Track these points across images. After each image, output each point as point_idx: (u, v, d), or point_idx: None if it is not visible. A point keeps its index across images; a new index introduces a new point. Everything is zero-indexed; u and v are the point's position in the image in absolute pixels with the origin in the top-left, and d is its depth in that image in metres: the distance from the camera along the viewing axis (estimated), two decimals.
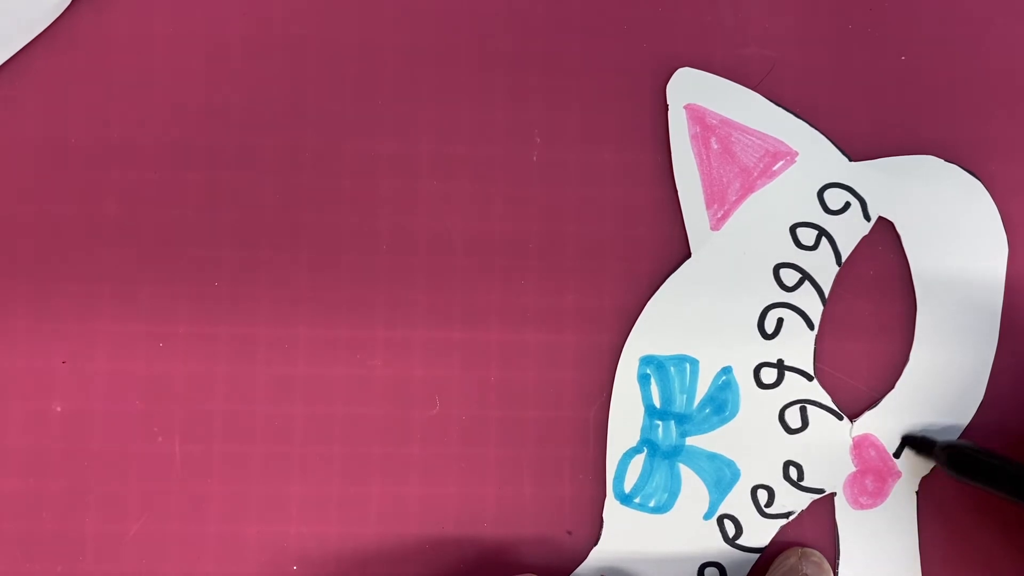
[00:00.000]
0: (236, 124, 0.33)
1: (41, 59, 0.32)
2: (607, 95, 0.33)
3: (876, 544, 0.34)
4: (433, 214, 0.33)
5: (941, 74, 0.34)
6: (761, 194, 0.33)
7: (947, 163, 0.33)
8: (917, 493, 0.34)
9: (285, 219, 0.33)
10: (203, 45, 0.33)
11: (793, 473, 0.33)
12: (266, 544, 0.33)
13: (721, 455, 0.33)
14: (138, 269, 0.32)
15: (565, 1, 0.34)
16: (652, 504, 0.33)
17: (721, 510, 0.33)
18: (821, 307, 0.33)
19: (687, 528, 0.33)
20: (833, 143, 0.33)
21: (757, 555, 0.33)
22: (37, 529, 0.32)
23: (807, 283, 0.33)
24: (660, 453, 0.33)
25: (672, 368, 0.33)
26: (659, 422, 0.33)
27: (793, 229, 0.33)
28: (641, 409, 0.33)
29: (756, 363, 0.33)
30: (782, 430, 0.33)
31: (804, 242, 0.33)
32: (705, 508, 0.33)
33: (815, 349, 0.33)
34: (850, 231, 0.33)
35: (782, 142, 0.33)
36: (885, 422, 0.33)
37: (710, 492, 0.33)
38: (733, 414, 0.33)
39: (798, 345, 0.33)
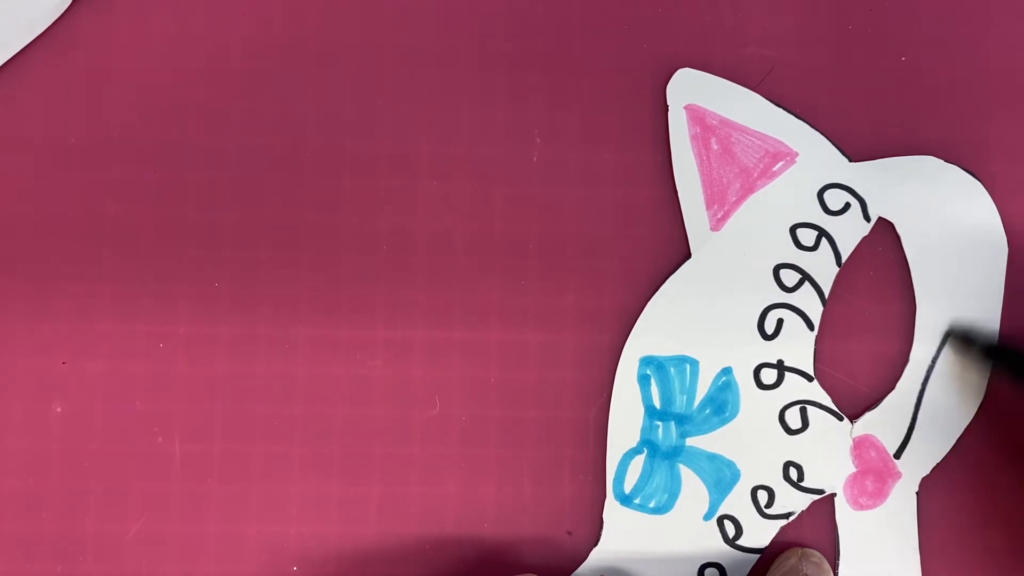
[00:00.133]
0: (236, 124, 0.33)
1: (41, 59, 0.32)
2: (607, 95, 0.33)
3: (876, 545, 0.33)
4: (433, 214, 0.33)
5: (941, 74, 0.34)
6: (761, 195, 0.33)
7: (947, 163, 0.33)
8: (917, 494, 0.34)
9: (285, 219, 0.33)
10: (203, 45, 0.33)
11: (793, 474, 0.33)
12: (266, 544, 0.32)
13: (721, 456, 0.33)
14: (138, 269, 0.32)
15: (565, 1, 0.34)
16: (652, 505, 0.33)
17: (721, 511, 0.33)
18: (821, 308, 0.33)
19: (687, 529, 0.33)
20: (833, 143, 0.33)
21: (757, 555, 0.33)
22: (37, 529, 0.32)
23: (807, 284, 0.33)
24: (660, 454, 0.33)
25: (672, 369, 0.33)
26: (659, 423, 0.33)
27: (793, 230, 0.33)
28: (641, 410, 0.33)
29: (756, 364, 0.33)
30: (782, 431, 0.33)
31: (804, 243, 0.33)
32: (705, 509, 0.33)
33: (815, 350, 0.33)
34: (850, 232, 0.33)
35: (782, 142, 0.33)
36: (885, 423, 0.33)
37: (710, 493, 0.33)
38: (733, 415, 0.33)
39: (798, 346, 0.33)
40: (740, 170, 0.33)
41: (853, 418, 0.34)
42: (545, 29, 0.34)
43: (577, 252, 0.33)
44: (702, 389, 0.33)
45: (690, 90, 0.33)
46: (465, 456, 0.33)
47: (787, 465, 0.33)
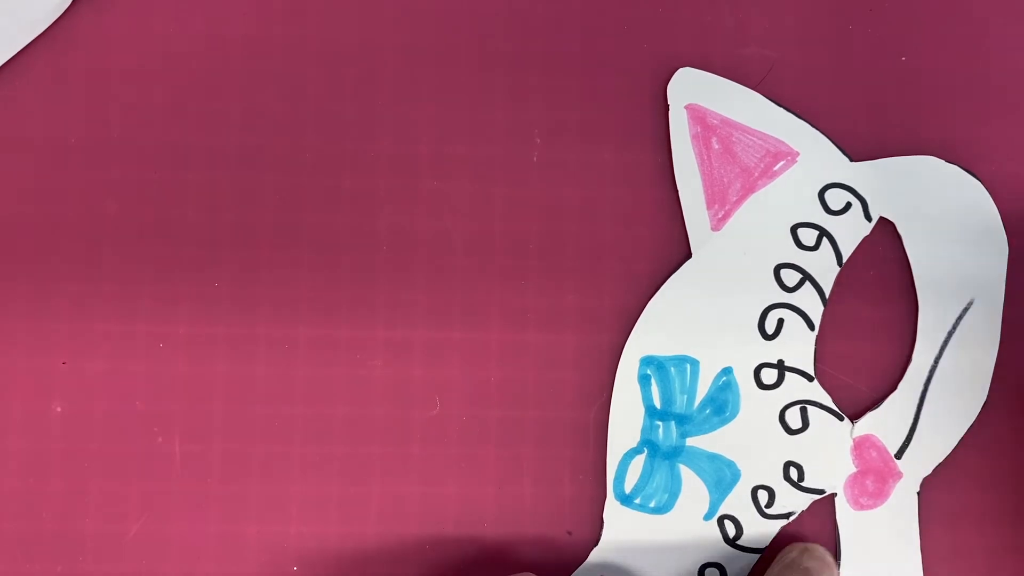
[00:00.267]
0: (236, 124, 0.33)
1: (41, 59, 0.32)
2: (607, 95, 0.33)
3: (877, 545, 0.33)
4: (433, 214, 0.33)
5: (941, 74, 0.34)
6: (762, 194, 0.33)
7: (947, 163, 0.33)
8: (918, 494, 0.34)
9: (285, 219, 0.33)
10: (203, 45, 0.33)
11: (793, 474, 0.33)
12: (266, 544, 0.32)
13: (721, 456, 0.33)
14: (138, 269, 0.32)
15: (565, 1, 0.34)
16: (652, 505, 0.33)
17: (721, 511, 0.33)
18: (822, 308, 0.33)
19: (687, 528, 0.33)
20: (834, 143, 0.33)
21: (758, 555, 0.33)
22: (37, 529, 0.32)
23: (808, 284, 0.33)
24: (660, 454, 0.33)
25: (672, 369, 0.33)
26: (659, 423, 0.33)
27: (794, 229, 0.33)
28: (641, 410, 0.33)
29: (756, 364, 0.33)
30: (782, 431, 0.33)
31: (805, 242, 0.33)
32: (705, 509, 0.33)
33: (816, 350, 0.33)
34: (851, 231, 0.33)
35: (783, 142, 0.33)
36: (886, 423, 0.33)
37: (710, 493, 0.33)
38: (733, 415, 0.33)
39: (799, 346, 0.33)
40: (741, 170, 0.33)
41: (854, 418, 0.34)
42: (545, 29, 0.34)
43: (577, 252, 0.33)
44: (702, 389, 0.33)
45: (691, 90, 0.33)
46: (465, 456, 0.33)
47: (787, 465, 0.33)
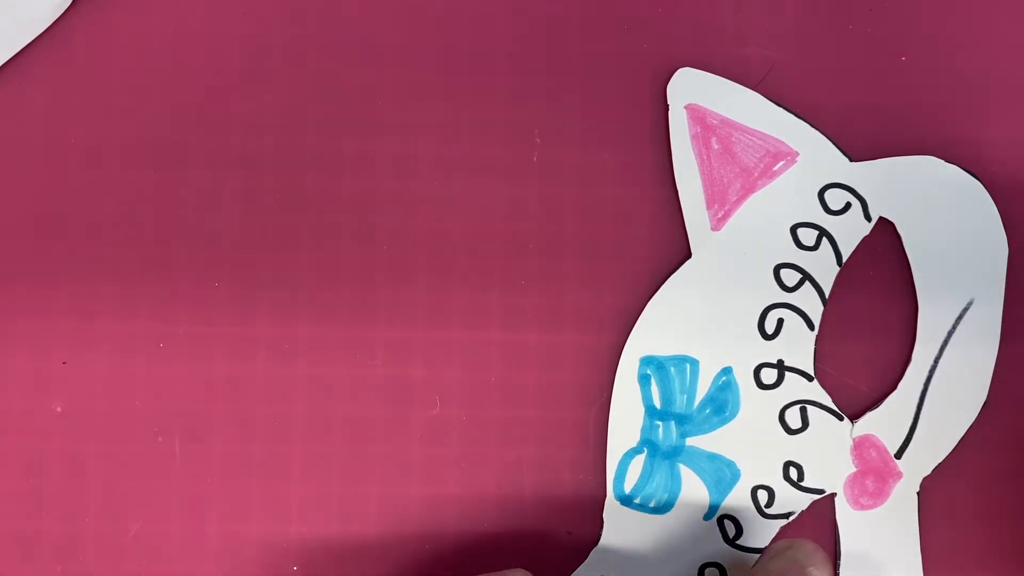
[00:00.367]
0: (236, 124, 0.33)
1: (41, 59, 0.32)
2: (607, 95, 0.33)
3: (877, 545, 0.33)
4: (433, 214, 0.33)
5: (941, 74, 0.34)
6: (762, 194, 0.33)
7: (947, 163, 0.33)
8: (918, 494, 0.34)
9: (285, 219, 0.33)
10: (203, 45, 0.33)
11: (793, 473, 0.33)
12: (266, 544, 0.33)
13: (721, 455, 0.33)
14: (138, 269, 0.32)
15: (565, 1, 0.34)
16: (652, 504, 0.33)
17: (721, 510, 0.33)
18: (822, 307, 0.33)
19: (687, 528, 0.33)
20: (833, 143, 0.33)
21: (757, 555, 0.33)
22: (37, 529, 0.32)
23: (808, 283, 0.33)
24: (660, 453, 0.33)
25: (672, 368, 0.33)
26: (659, 422, 0.33)
27: (794, 229, 0.33)
28: (641, 409, 0.33)
29: (756, 363, 0.33)
30: (782, 430, 0.33)
31: (805, 242, 0.33)
32: (705, 508, 0.33)
33: (815, 350, 0.33)
34: (851, 231, 0.33)
35: (782, 142, 0.33)
36: (886, 423, 0.33)
37: (710, 492, 0.33)
38: (733, 414, 0.33)
39: (798, 346, 0.33)
40: (741, 170, 0.33)
41: (854, 418, 0.34)
42: (545, 29, 0.34)
43: (577, 252, 0.33)
44: (702, 389, 0.33)
45: (690, 90, 0.33)
46: (465, 456, 0.33)
47: (787, 465, 0.33)
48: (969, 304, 0.33)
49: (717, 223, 0.33)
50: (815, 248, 0.33)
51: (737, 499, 0.33)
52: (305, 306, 0.33)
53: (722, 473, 0.33)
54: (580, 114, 0.33)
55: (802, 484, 0.33)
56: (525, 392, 0.33)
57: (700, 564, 0.33)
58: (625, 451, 0.33)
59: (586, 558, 0.33)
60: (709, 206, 0.33)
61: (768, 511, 0.33)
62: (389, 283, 0.33)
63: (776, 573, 0.30)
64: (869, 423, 0.33)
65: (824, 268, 0.33)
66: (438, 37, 0.33)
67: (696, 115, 0.33)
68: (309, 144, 0.33)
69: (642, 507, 0.33)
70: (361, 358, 0.33)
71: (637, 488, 0.33)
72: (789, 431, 0.33)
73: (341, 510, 0.33)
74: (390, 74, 0.33)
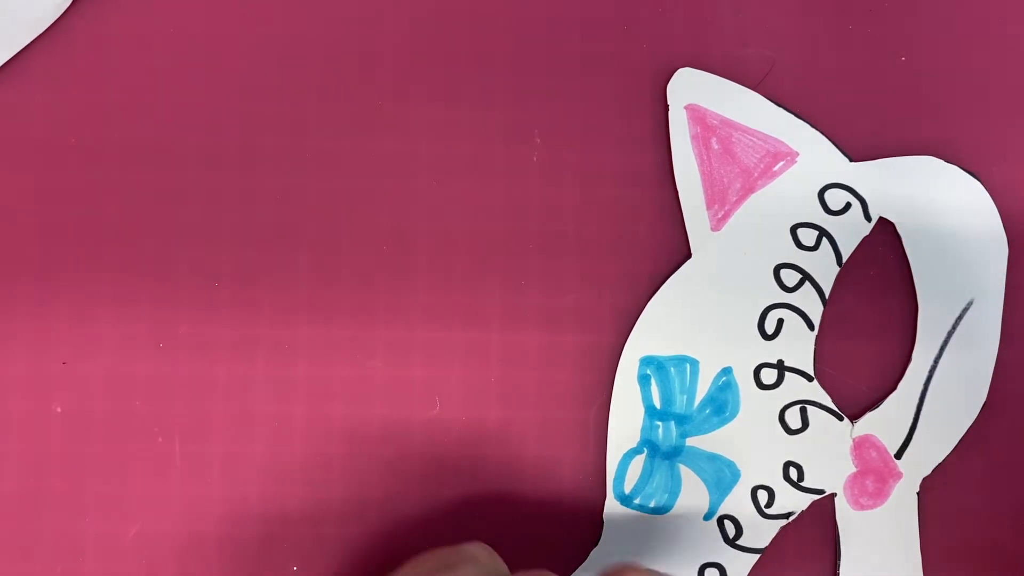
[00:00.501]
0: (236, 124, 0.33)
1: (41, 59, 0.32)
2: (607, 95, 0.33)
3: (877, 545, 0.33)
4: (433, 214, 0.33)
5: (941, 74, 0.34)
6: (762, 194, 0.33)
7: (947, 164, 0.33)
8: (918, 494, 0.34)
9: (285, 219, 0.33)
10: (203, 45, 0.33)
11: (793, 474, 0.33)
12: (266, 544, 0.32)
13: (721, 456, 0.33)
14: (138, 269, 0.32)
15: (565, 1, 0.34)
16: (652, 505, 0.33)
17: (721, 511, 0.33)
18: (821, 308, 0.33)
19: (687, 529, 0.33)
20: (833, 143, 0.33)
21: (758, 555, 0.33)
22: (37, 529, 0.32)
23: (808, 284, 0.33)
24: (660, 454, 0.33)
25: (672, 369, 0.33)
26: (659, 423, 0.33)
27: (794, 229, 0.33)
28: (641, 410, 0.33)
29: (756, 364, 0.33)
30: (782, 431, 0.33)
31: (805, 243, 0.33)
32: (705, 509, 0.33)
33: (815, 350, 0.33)
34: (851, 232, 0.33)
35: (782, 142, 0.33)
36: (886, 423, 0.33)
37: (710, 493, 0.33)
38: (733, 415, 0.33)
39: (798, 346, 0.33)
40: (741, 170, 0.33)
41: (854, 418, 0.34)
42: (545, 29, 0.34)
43: (577, 252, 0.33)
44: (702, 389, 0.33)
45: (690, 90, 0.33)
46: (465, 456, 0.33)
47: (787, 465, 0.33)
48: (969, 304, 0.33)
49: (717, 223, 0.33)
50: (815, 248, 0.33)
51: (737, 499, 0.33)
52: (305, 306, 0.33)
53: (722, 473, 0.33)
54: (580, 114, 0.33)
55: (802, 484, 0.33)
56: (525, 392, 0.33)
57: (700, 564, 0.33)
58: (625, 451, 0.33)
59: (586, 558, 0.33)
60: (709, 206, 0.33)
61: (768, 511, 0.33)
62: (389, 283, 0.33)
63: None
64: (869, 423, 0.33)
65: (824, 268, 0.33)
66: (438, 37, 0.33)
67: (696, 115, 0.33)
68: (309, 144, 0.33)
69: (642, 507, 0.33)
70: (361, 358, 0.33)
71: (637, 488, 0.33)
72: (789, 431, 0.33)
73: (341, 510, 0.33)
74: (390, 74, 0.33)
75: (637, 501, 0.33)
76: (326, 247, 0.33)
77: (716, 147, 0.33)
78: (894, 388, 0.33)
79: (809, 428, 0.33)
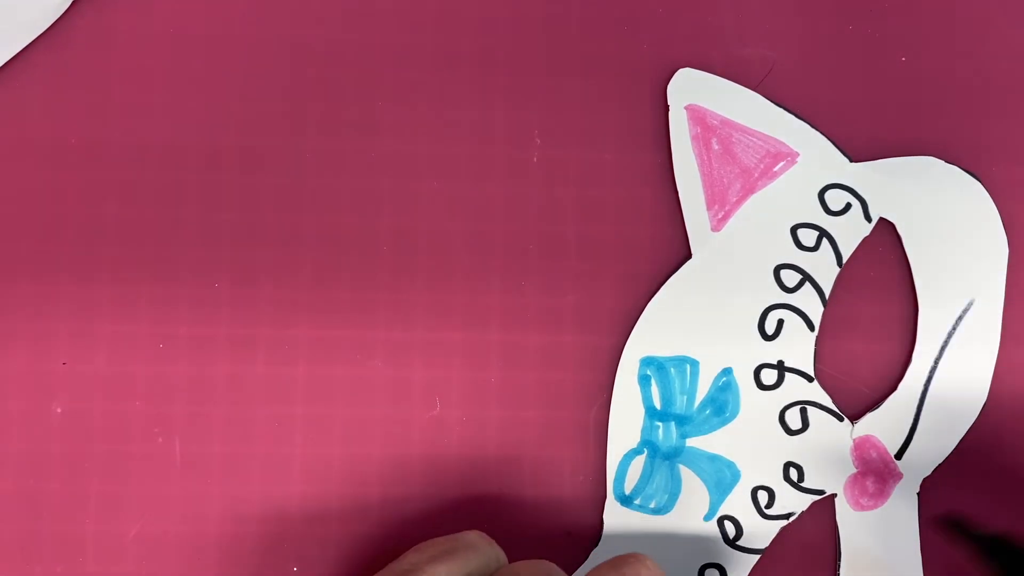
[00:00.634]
0: (236, 124, 0.33)
1: (41, 59, 0.32)
2: (607, 95, 0.33)
3: (877, 545, 0.33)
4: (433, 214, 0.33)
5: (941, 74, 0.34)
6: (762, 195, 0.33)
7: (947, 164, 0.33)
8: (919, 495, 0.34)
9: (285, 219, 0.33)
10: (203, 45, 0.33)
11: (793, 474, 0.33)
12: (266, 544, 0.32)
13: (721, 456, 0.33)
14: (138, 269, 0.32)
15: (565, 1, 0.34)
16: (652, 505, 0.33)
17: (721, 511, 0.33)
18: (822, 308, 0.33)
19: (687, 529, 0.33)
20: (833, 144, 0.33)
21: (758, 556, 0.33)
22: (37, 529, 0.32)
23: (808, 284, 0.33)
24: (660, 454, 0.33)
25: (672, 369, 0.33)
26: (659, 423, 0.33)
27: (794, 230, 0.33)
28: (641, 410, 0.33)
29: (756, 364, 0.33)
30: (782, 431, 0.33)
31: (805, 243, 0.33)
32: (705, 509, 0.33)
33: (816, 350, 0.33)
34: (851, 232, 0.33)
35: (783, 143, 0.33)
36: (886, 423, 0.33)
37: (710, 493, 0.33)
38: (733, 415, 0.33)
39: (799, 346, 0.33)
40: (741, 170, 0.33)
41: (854, 419, 0.34)
42: (545, 29, 0.34)
43: (577, 252, 0.33)
44: (702, 389, 0.33)
45: (690, 90, 0.33)
46: (465, 456, 0.33)
47: (787, 466, 0.33)
48: (969, 304, 0.33)
49: (717, 223, 0.33)
50: (815, 249, 0.33)
51: (737, 500, 0.33)
52: (305, 306, 0.33)
53: (722, 474, 0.33)
54: (580, 114, 0.33)
55: (802, 485, 0.33)
56: (525, 392, 0.33)
57: (700, 564, 0.33)
58: (625, 452, 0.33)
59: (586, 558, 0.33)
60: (709, 206, 0.33)
61: (768, 512, 0.33)
62: (389, 283, 0.33)
63: None
64: (869, 423, 0.33)
65: (824, 268, 0.33)
66: (438, 37, 0.33)
67: (696, 116, 0.33)
68: (309, 144, 0.33)
69: (642, 508, 0.33)
70: (361, 358, 0.33)
71: (637, 489, 0.33)
72: (789, 432, 0.33)
73: (341, 510, 0.33)
74: (390, 74, 0.33)
75: (637, 502, 0.33)
76: (326, 247, 0.33)
77: (716, 147, 0.33)
78: (894, 388, 0.33)
79: (809, 428, 0.33)
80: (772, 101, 0.33)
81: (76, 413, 0.32)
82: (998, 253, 0.33)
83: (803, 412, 0.33)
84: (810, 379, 0.33)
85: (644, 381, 0.33)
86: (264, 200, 0.33)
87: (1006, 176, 0.34)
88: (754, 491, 0.33)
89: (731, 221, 0.33)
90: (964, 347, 0.33)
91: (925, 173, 0.33)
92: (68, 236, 0.32)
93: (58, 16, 0.32)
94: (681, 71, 0.33)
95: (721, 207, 0.33)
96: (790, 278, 0.33)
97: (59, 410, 0.32)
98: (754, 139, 0.33)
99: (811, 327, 0.33)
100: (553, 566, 0.29)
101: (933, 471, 0.33)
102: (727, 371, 0.33)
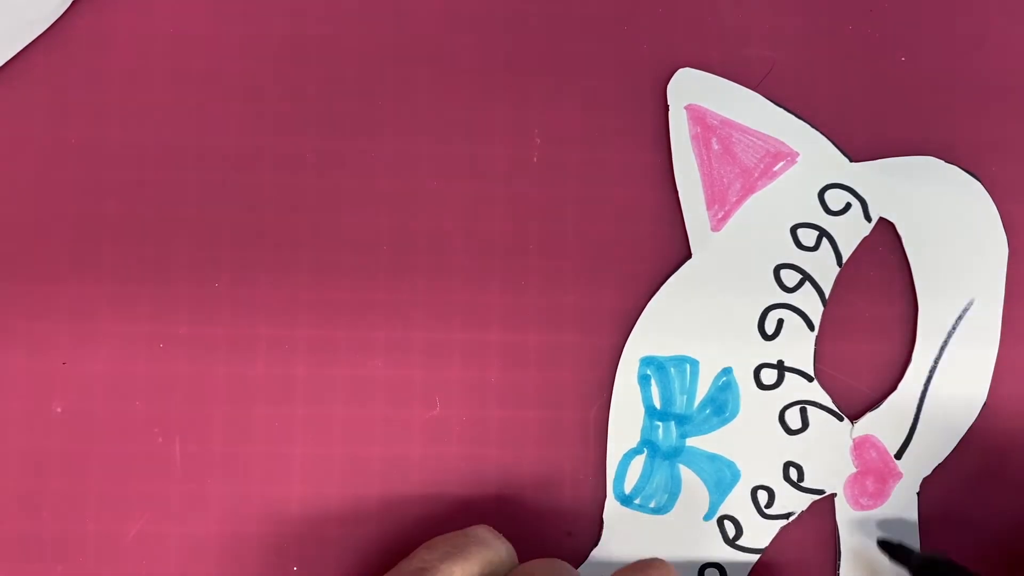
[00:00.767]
0: (236, 124, 0.33)
1: (41, 59, 0.32)
2: (607, 95, 0.33)
3: (877, 545, 0.33)
4: (433, 214, 0.33)
5: (941, 74, 0.34)
6: (762, 195, 0.33)
7: (947, 164, 0.33)
8: (918, 495, 0.34)
9: (285, 219, 0.33)
10: (203, 45, 0.33)
11: (793, 474, 0.33)
12: (266, 544, 0.32)
13: (721, 456, 0.33)
14: (138, 269, 0.32)
15: (565, 1, 0.34)
16: (652, 505, 0.33)
17: (721, 511, 0.33)
18: (822, 308, 0.33)
19: (687, 529, 0.33)
20: (833, 143, 0.33)
21: (757, 556, 0.33)
22: (37, 529, 0.32)
23: (808, 284, 0.33)
24: (660, 454, 0.33)
25: (672, 369, 0.33)
26: (659, 423, 0.33)
27: (794, 230, 0.33)
28: (641, 410, 0.33)
29: (756, 364, 0.33)
30: (782, 431, 0.33)
31: (805, 243, 0.33)
32: (705, 509, 0.33)
33: (815, 350, 0.33)
34: (851, 232, 0.33)
35: (783, 143, 0.33)
36: (886, 423, 0.33)
37: (710, 493, 0.33)
38: (733, 415, 0.33)
39: (798, 346, 0.33)
40: (741, 170, 0.33)
41: (854, 418, 0.34)
42: (545, 29, 0.34)
43: (577, 252, 0.33)
44: (702, 389, 0.33)
45: (690, 90, 0.33)
46: (465, 456, 0.33)
47: (787, 465, 0.33)
48: (969, 304, 0.33)
49: (717, 223, 0.33)
50: (815, 248, 0.33)
51: (737, 499, 0.33)
52: (305, 306, 0.33)
53: (722, 474, 0.33)
54: (580, 114, 0.33)
55: (802, 484, 0.33)
56: (525, 392, 0.33)
57: (700, 564, 0.33)
58: (625, 451, 0.33)
59: (586, 558, 0.33)
60: (709, 206, 0.33)
61: (768, 512, 0.33)
62: (389, 283, 0.33)
63: None
64: (869, 423, 0.33)
65: (824, 268, 0.33)
66: (438, 37, 0.33)
67: (696, 115, 0.33)
68: (308, 144, 0.33)
69: (642, 508, 0.33)
70: (361, 358, 0.33)
71: (637, 489, 0.33)
72: (789, 431, 0.33)
73: (341, 510, 0.33)
74: (390, 74, 0.33)
75: (637, 501, 0.33)
76: (326, 247, 0.33)
77: (716, 147, 0.33)
78: (894, 388, 0.33)
79: (809, 428, 0.33)
80: (772, 101, 0.33)
81: (76, 413, 0.32)
82: (998, 253, 0.33)
83: (803, 412, 0.33)
84: (810, 379, 0.33)
85: (644, 381, 0.33)
86: (264, 200, 0.33)
87: (1006, 176, 0.34)
88: (754, 491, 0.33)
89: (731, 221, 0.33)
90: (964, 347, 0.33)
91: (925, 173, 0.33)
92: (68, 236, 0.32)
93: (58, 16, 0.32)
94: (681, 71, 0.33)
95: (721, 207, 0.33)
96: (790, 278, 0.33)
97: (59, 410, 0.32)
98: (754, 139, 0.33)
99: (811, 327, 0.33)
100: (566, 565, 0.29)
101: (933, 471, 0.33)
102: (727, 371, 0.33)
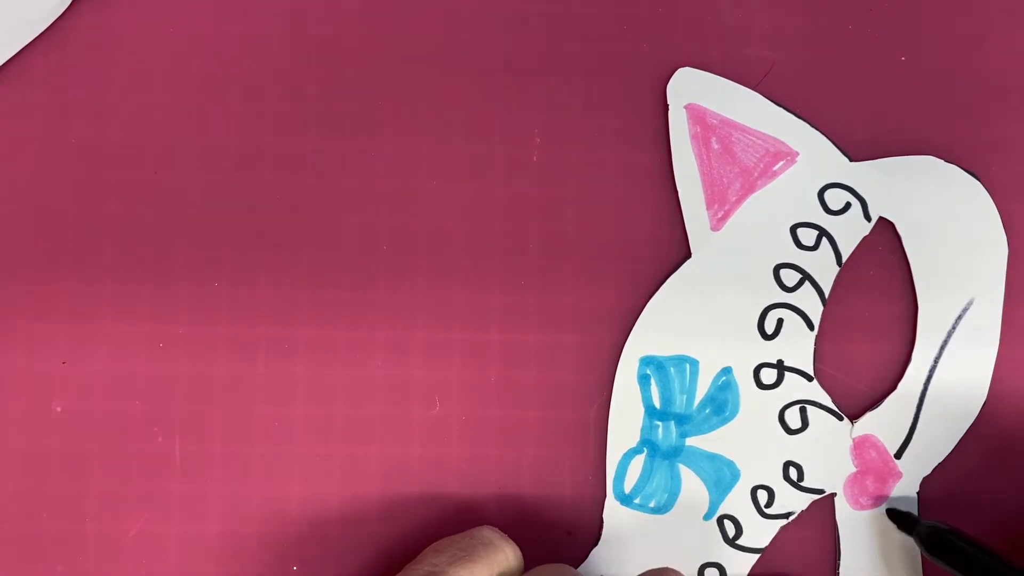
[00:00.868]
0: (236, 124, 0.33)
1: (41, 59, 0.32)
2: (607, 95, 0.33)
3: (877, 545, 0.33)
4: (433, 214, 0.33)
5: (941, 74, 0.34)
6: (762, 194, 0.33)
7: (947, 163, 0.33)
8: (918, 494, 0.34)
9: (285, 219, 0.33)
10: (203, 45, 0.33)
11: (793, 473, 0.33)
12: (266, 544, 0.32)
13: (721, 455, 0.33)
14: (138, 269, 0.32)
15: (565, 1, 0.34)
16: (652, 505, 0.33)
17: (721, 510, 0.33)
18: (821, 307, 0.33)
19: (687, 528, 0.33)
20: (833, 143, 0.33)
21: (757, 555, 0.33)
22: (37, 529, 0.32)
23: (807, 283, 0.33)
24: (660, 453, 0.33)
25: (672, 369, 0.33)
26: (659, 423, 0.33)
27: (793, 229, 0.33)
28: (641, 410, 0.33)
29: (756, 363, 0.33)
30: (782, 430, 0.33)
31: (804, 242, 0.33)
32: (705, 508, 0.33)
33: (815, 349, 0.33)
34: (851, 231, 0.33)
35: (782, 142, 0.33)
36: (886, 423, 0.33)
37: (710, 492, 0.33)
38: (733, 414, 0.33)
39: (798, 345, 0.33)
40: (740, 170, 0.33)
41: (853, 418, 0.34)
42: (545, 29, 0.34)
43: (577, 252, 0.33)
44: (702, 389, 0.33)
45: (690, 90, 0.33)
46: (465, 456, 0.33)
47: (787, 465, 0.33)
48: (969, 304, 0.33)
49: (717, 223, 0.33)
50: (815, 248, 0.33)
51: (737, 499, 0.33)
52: (305, 306, 0.33)
53: (722, 473, 0.33)
54: (580, 114, 0.33)
55: (802, 484, 0.33)
56: (525, 392, 0.33)
57: (700, 564, 0.33)
58: (625, 451, 0.33)
59: (586, 558, 0.33)
60: (709, 206, 0.33)
61: (768, 511, 0.33)
62: (389, 283, 0.33)
63: None
64: (869, 423, 0.33)
65: (824, 268, 0.33)
66: (438, 37, 0.33)
67: (696, 115, 0.33)
68: (308, 144, 0.33)
69: (642, 507, 0.33)
70: (361, 358, 0.33)
71: (637, 488, 0.33)
72: (789, 431, 0.33)
73: (341, 510, 0.33)
74: (390, 74, 0.33)
75: (637, 501, 0.33)
76: (326, 247, 0.33)
77: (716, 147, 0.33)
78: (894, 388, 0.33)
79: (809, 428, 0.33)
80: (772, 101, 0.33)
81: (76, 413, 0.32)
82: (998, 252, 0.33)
83: (803, 411, 0.33)
84: (810, 378, 0.33)
85: (644, 380, 0.33)
86: (264, 200, 0.33)
87: (1006, 176, 0.34)
88: (754, 490, 0.33)
89: (731, 220, 0.33)
90: (964, 346, 0.33)
91: (925, 173, 0.33)
92: (68, 236, 0.32)
93: (58, 16, 0.32)
94: (681, 71, 0.33)
95: (721, 206, 0.33)
96: (790, 277, 0.33)
97: (59, 410, 0.32)
98: (754, 138, 0.33)
99: (811, 326, 0.33)
100: (573, 571, 0.29)
101: (933, 470, 0.33)
102: (727, 370, 0.33)
